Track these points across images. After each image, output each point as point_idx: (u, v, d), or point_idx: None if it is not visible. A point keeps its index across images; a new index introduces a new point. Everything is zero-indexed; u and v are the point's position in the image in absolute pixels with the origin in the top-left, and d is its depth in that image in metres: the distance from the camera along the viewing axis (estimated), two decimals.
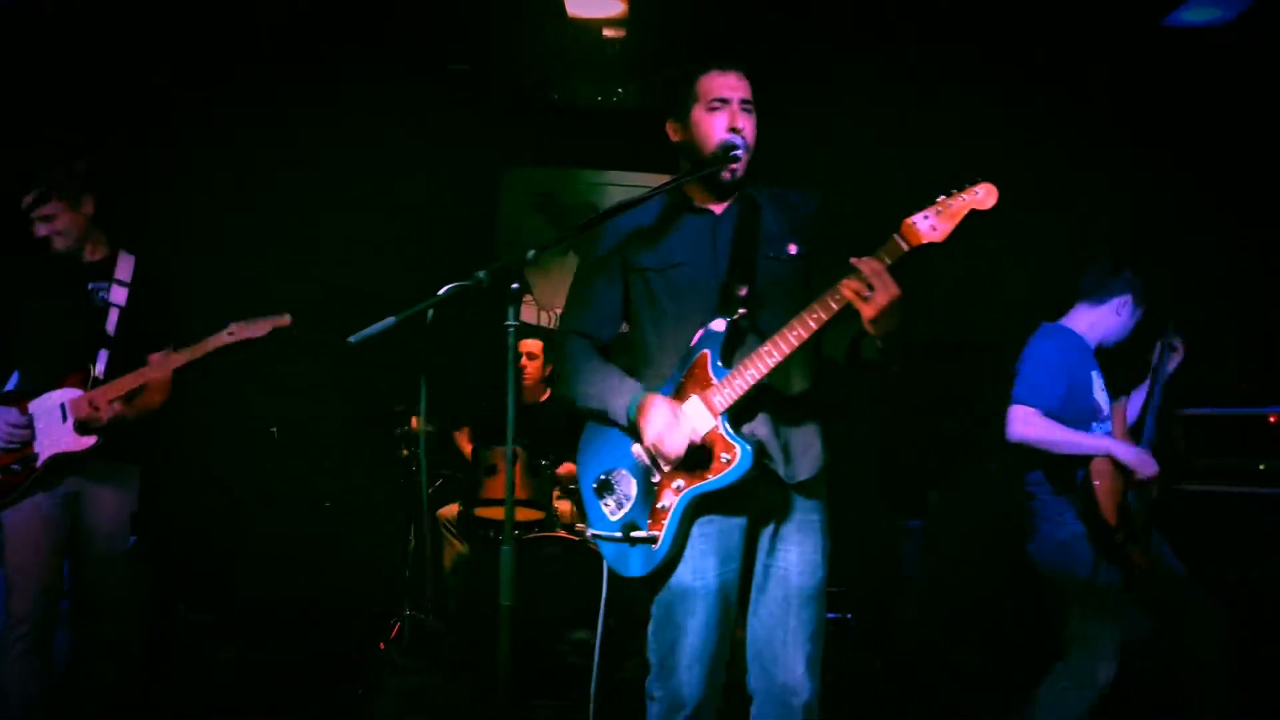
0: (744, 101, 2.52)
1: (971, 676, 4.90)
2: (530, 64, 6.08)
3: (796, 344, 2.31)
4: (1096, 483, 3.42)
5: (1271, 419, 5.06)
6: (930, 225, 2.24)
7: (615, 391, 2.49)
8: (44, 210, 3.47)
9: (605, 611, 2.51)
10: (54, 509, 3.44)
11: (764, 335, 2.42)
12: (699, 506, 2.41)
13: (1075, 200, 5.73)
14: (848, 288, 2.24)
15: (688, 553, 2.43)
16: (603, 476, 2.51)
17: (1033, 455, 3.53)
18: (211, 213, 5.93)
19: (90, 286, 3.60)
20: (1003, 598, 5.05)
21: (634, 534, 2.40)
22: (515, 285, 2.18)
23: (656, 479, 2.43)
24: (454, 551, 5.47)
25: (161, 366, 3.49)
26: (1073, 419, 3.52)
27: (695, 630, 2.42)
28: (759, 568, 2.49)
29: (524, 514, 5.05)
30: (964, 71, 5.35)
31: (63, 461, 3.43)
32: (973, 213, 2.24)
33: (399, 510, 5.58)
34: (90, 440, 3.43)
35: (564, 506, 5.27)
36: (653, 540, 2.40)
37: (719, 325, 2.43)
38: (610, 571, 2.51)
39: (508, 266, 2.19)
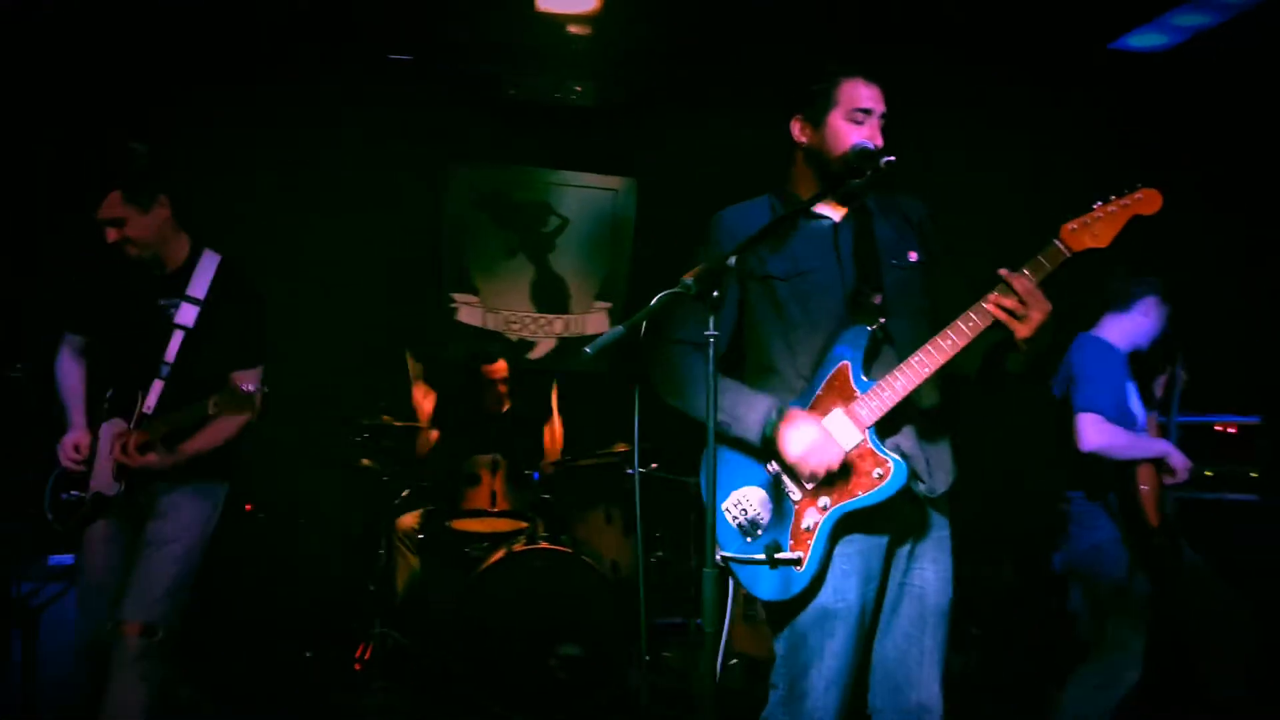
0: (882, 116, 2.46)
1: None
2: (485, 56, 5.88)
3: (952, 354, 2.26)
4: (1144, 488, 3.55)
5: (1217, 428, 5.38)
6: (1091, 232, 2.23)
7: (746, 404, 2.37)
8: (108, 213, 3.02)
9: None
10: (121, 534, 3.19)
11: (896, 344, 2.38)
12: (843, 525, 2.33)
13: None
14: (1000, 304, 2.21)
15: (829, 573, 2.35)
16: (734, 495, 2.40)
17: (1076, 469, 3.62)
18: None
19: (161, 303, 3.16)
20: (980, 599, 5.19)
21: (778, 555, 2.30)
22: (716, 293, 2.05)
23: (797, 497, 2.34)
24: (408, 566, 5.23)
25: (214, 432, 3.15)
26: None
27: (834, 654, 2.34)
28: (894, 586, 2.43)
29: (506, 524, 4.89)
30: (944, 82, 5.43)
31: (104, 500, 3.16)
32: (1136, 218, 2.24)
33: (356, 520, 5.33)
34: (115, 487, 3.12)
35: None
36: (797, 562, 2.30)
37: (858, 332, 2.36)
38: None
39: (712, 272, 2.06)
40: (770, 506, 2.37)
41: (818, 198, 2.43)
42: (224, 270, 3.20)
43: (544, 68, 5.93)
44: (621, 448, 5.07)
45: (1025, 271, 2.23)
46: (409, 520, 5.22)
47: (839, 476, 2.31)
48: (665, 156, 6.32)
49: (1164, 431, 3.86)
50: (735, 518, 2.38)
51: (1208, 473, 5.17)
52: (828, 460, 2.28)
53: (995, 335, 2.30)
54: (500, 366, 5.55)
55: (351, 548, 5.34)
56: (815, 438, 2.28)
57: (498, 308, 6.51)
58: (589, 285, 6.61)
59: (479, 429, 5.43)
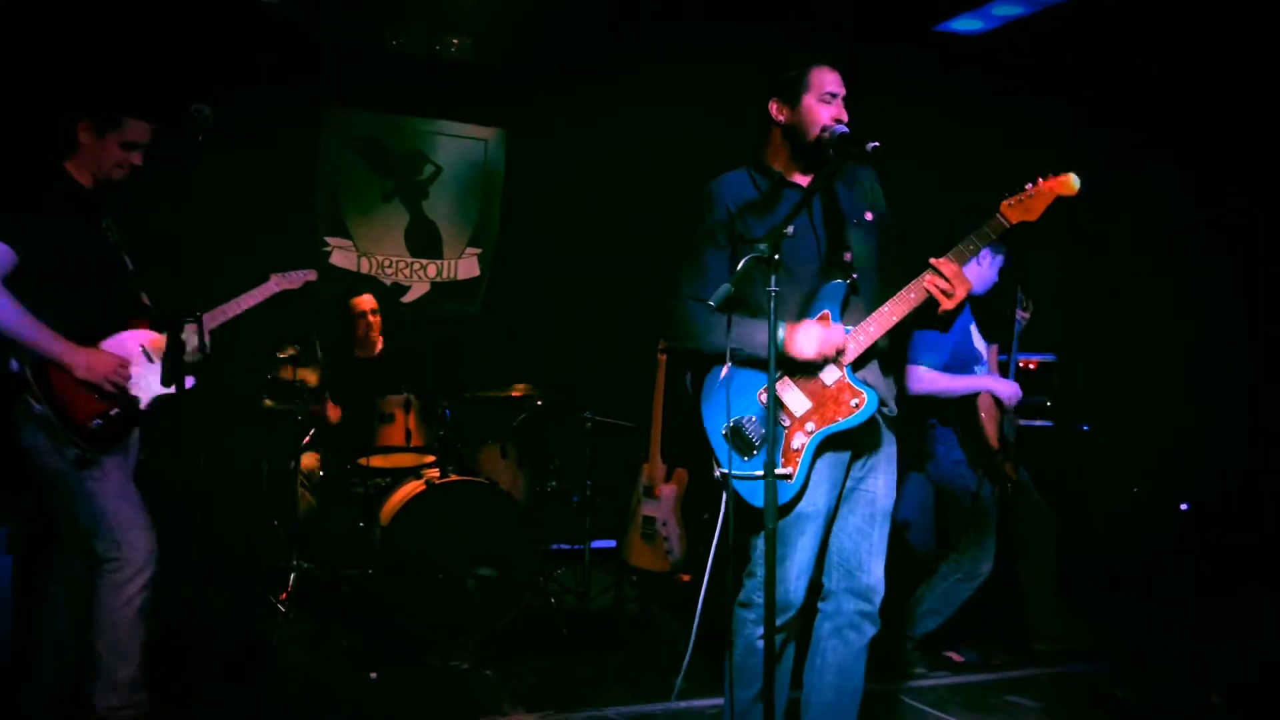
0: (844, 99, 2.95)
1: None
2: (369, 5, 5.98)
3: (910, 308, 2.81)
4: (982, 415, 4.28)
5: (1027, 364, 6.27)
6: (1025, 208, 2.81)
7: (755, 329, 2.75)
8: (146, 136, 3.29)
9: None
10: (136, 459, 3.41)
11: (861, 295, 2.88)
12: (823, 445, 2.83)
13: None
14: (935, 283, 2.78)
15: (807, 483, 2.84)
16: (733, 423, 2.85)
17: (930, 402, 4.32)
18: None
19: (103, 224, 3.37)
20: None
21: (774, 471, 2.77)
22: (777, 256, 2.48)
23: (787, 423, 2.83)
24: (306, 503, 5.44)
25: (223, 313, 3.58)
26: (958, 365, 4.35)
27: (804, 547, 2.87)
28: (850, 491, 2.95)
29: (410, 459, 5.18)
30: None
31: (163, 404, 3.37)
32: (1059, 199, 2.81)
33: (254, 461, 5.47)
34: (191, 380, 3.38)
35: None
36: (788, 476, 2.80)
37: (837, 286, 2.86)
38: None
39: (775, 239, 2.48)
40: (764, 431, 2.85)
41: (830, 168, 2.83)
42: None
43: (425, 20, 6.11)
44: (519, 389, 5.43)
45: (960, 248, 2.81)
46: (310, 460, 5.42)
47: (824, 404, 2.81)
48: (533, 110, 6.66)
49: (1004, 367, 4.63)
50: (735, 441, 2.85)
51: (1048, 403, 6.03)
52: (836, 342, 2.77)
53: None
54: (366, 299, 5.72)
55: (261, 490, 5.47)
56: (819, 332, 2.78)
57: (371, 252, 6.68)
58: (461, 232, 6.87)
59: (358, 370, 5.64)
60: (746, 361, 2.84)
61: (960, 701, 4.08)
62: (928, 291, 2.80)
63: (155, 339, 3.39)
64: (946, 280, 2.78)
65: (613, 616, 5.16)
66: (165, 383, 3.30)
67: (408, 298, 6.77)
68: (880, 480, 2.99)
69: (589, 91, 6.49)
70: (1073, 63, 6.22)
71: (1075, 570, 4.92)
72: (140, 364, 3.35)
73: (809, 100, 2.91)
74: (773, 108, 2.97)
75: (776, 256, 2.48)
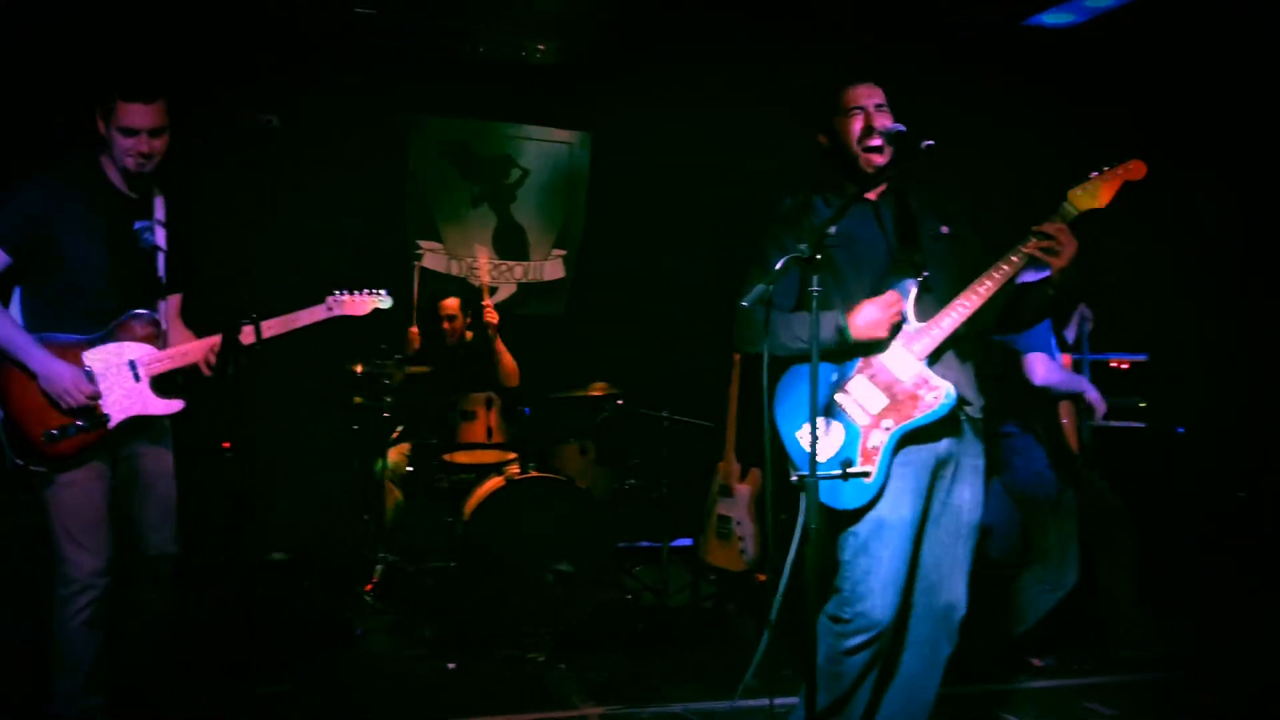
0: (878, 105, 2.92)
1: None
2: (450, 12, 6.13)
3: (987, 295, 2.75)
4: (1064, 421, 4.21)
5: (1112, 364, 6.13)
6: (1092, 195, 2.74)
7: (820, 323, 2.72)
8: (157, 120, 3.10)
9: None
10: (108, 470, 3.18)
11: (934, 295, 2.84)
12: (902, 444, 2.78)
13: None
14: (1034, 246, 2.72)
15: (887, 489, 2.79)
16: (808, 425, 2.83)
17: (1011, 405, 4.25)
18: None
19: (136, 226, 3.22)
20: None
21: (850, 470, 2.71)
22: (819, 256, 2.50)
23: (864, 421, 2.80)
24: (394, 499, 5.63)
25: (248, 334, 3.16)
26: None
27: (889, 560, 2.79)
28: (936, 502, 2.89)
29: (493, 455, 5.32)
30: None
31: (136, 423, 3.19)
32: (1126, 183, 2.76)
33: (343, 458, 5.68)
34: (178, 405, 3.22)
35: None
36: (866, 475, 2.75)
37: (909, 284, 2.83)
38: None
39: (820, 240, 2.51)
40: (844, 429, 2.82)
41: (884, 173, 2.86)
42: (171, 205, 3.34)
43: (511, 26, 6.23)
44: (598, 388, 5.53)
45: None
46: (396, 455, 5.61)
47: (900, 400, 2.77)
48: (617, 113, 6.75)
49: (1079, 369, 4.54)
50: (810, 442, 2.82)
51: (1141, 404, 5.88)
52: (898, 308, 2.75)
53: (1009, 291, 2.85)
54: (451, 302, 5.94)
55: (351, 484, 5.67)
56: (878, 307, 2.75)
57: (461, 255, 6.86)
58: (547, 233, 7.02)
59: (444, 364, 5.83)
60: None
61: (1035, 707, 4.01)
62: (1028, 257, 2.75)
63: (152, 355, 3.21)
64: (1050, 237, 2.71)
65: (689, 614, 5.21)
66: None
67: (495, 299, 6.93)
68: (966, 492, 2.92)
69: (672, 94, 6.54)
70: (1157, 55, 6.05)
71: (1164, 576, 4.79)
72: (121, 379, 3.17)
73: (840, 121, 2.93)
74: (820, 140, 3.00)
75: (818, 257, 2.49)
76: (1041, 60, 6.43)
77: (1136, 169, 2.76)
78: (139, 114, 3.10)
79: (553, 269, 7.03)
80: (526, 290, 6.99)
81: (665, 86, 6.54)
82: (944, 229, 2.97)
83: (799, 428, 2.85)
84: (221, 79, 5.50)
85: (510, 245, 6.96)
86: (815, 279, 2.50)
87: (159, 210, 3.30)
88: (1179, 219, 6.00)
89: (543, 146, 6.93)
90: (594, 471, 5.56)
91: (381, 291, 3.61)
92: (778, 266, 2.53)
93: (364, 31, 6.06)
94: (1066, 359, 4.48)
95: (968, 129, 6.31)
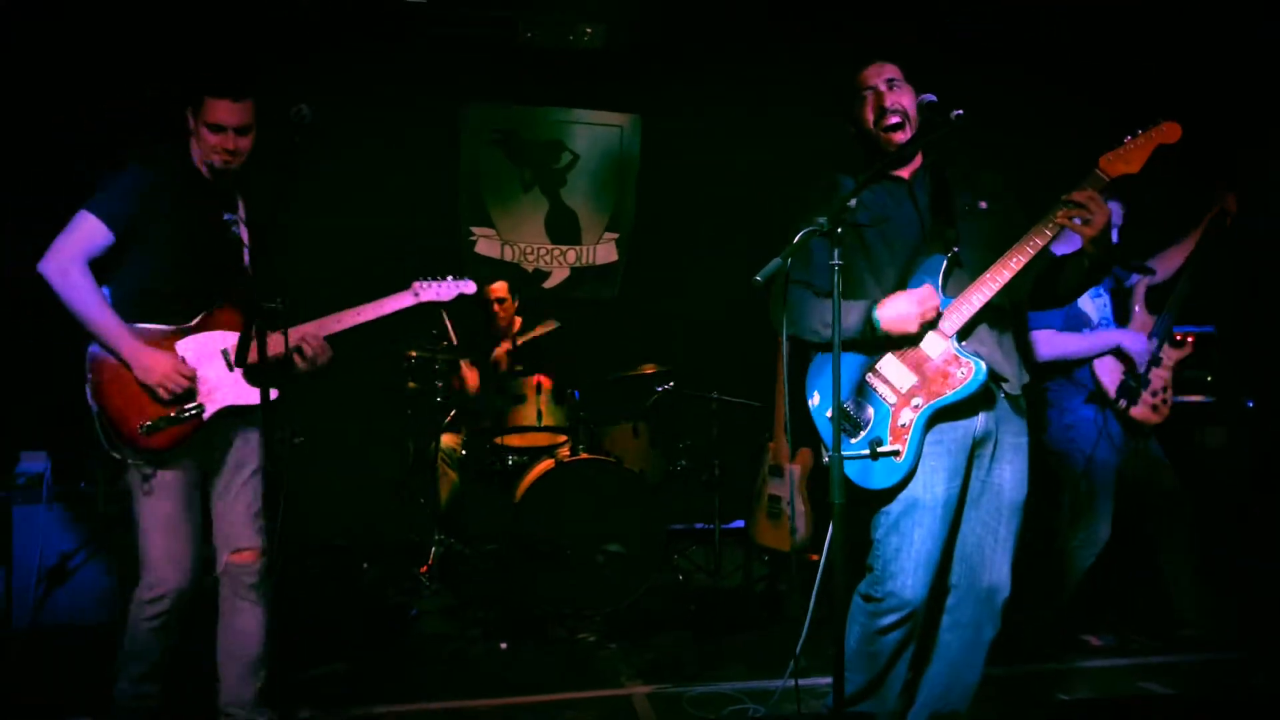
0: (889, 81, 2.91)
1: None
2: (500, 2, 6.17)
3: (1018, 269, 2.70)
4: (1103, 377, 4.17)
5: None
6: (1124, 160, 2.68)
7: (849, 310, 2.78)
8: (245, 118, 3.12)
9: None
10: (197, 474, 3.17)
11: (967, 270, 2.79)
12: (933, 421, 2.76)
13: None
14: (1064, 215, 2.67)
15: (920, 468, 2.77)
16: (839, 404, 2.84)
17: (1053, 367, 4.20)
18: None
19: (226, 217, 3.23)
20: None
21: (880, 449, 2.73)
22: (840, 230, 2.48)
23: (893, 400, 2.78)
24: (449, 481, 5.71)
25: (338, 321, 3.25)
26: (1069, 329, 4.22)
27: (921, 539, 2.78)
28: (976, 481, 2.85)
29: (545, 439, 5.36)
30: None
31: (230, 413, 3.16)
32: (1160, 146, 2.68)
33: (397, 441, 5.77)
34: (272, 394, 3.00)
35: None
36: (896, 454, 2.74)
37: (936, 260, 2.79)
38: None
39: (840, 212, 2.50)
40: (873, 409, 2.81)
41: (906, 150, 2.87)
42: (250, 205, 3.35)
43: (557, 11, 6.25)
44: (649, 369, 5.54)
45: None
46: (450, 439, 5.69)
47: (929, 378, 2.75)
48: (667, 96, 6.72)
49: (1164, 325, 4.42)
50: (842, 422, 2.75)
51: (1208, 377, 5.71)
52: (933, 304, 2.72)
53: (1044, 263, 2.80)
54: (498, 287, 5.96)
55: (406, 468, 5.77)
56: (911, 302, 2.72)
57: (513, 240, 6.92)
58: (599, 217, 7.03)
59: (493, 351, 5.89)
60: (845, 343, 2.80)
61: (1088, 685, 3.95)
62: (1060, 227, 2.70)
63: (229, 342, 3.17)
64: (1082, 206, 2.66)
65: (740, 595, 5.21)
66: (252, 383, 3.13)
67: (549, 283, 6.98)
68: (1007, 471, 2.87)
69: (722, 75, 6.50)
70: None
71: (1228, 554, 4.67)
72: (216, 369, 3.15)
73: (857, 106, 2.95)
74: (850, 130, 3.01)
75: (839, 230, 2.47)
76: None
77: (1170, 131, 2.69)
78: (227, 111, 3.11)
79: (605, 252, 7.05)
80: (580, 274, 7.02)
81: (716, 67, 6.51)
82: (982, 204, 2.93)
83: (829, 408, 2.83)
84: (269, 71, 5.57)
85: (562, 230, 6.99)
86: (836, 252, 2.48)
87: (240, 209, 3.31)
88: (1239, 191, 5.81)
89: (593, 130, 6.93)
90: (646, 452, 5.57)
91: (466, 278, 3.60)
92: (795, 240, 2.52)
93: (412, 20, 6.14)
94: (1151, 319, 4.36)
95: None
